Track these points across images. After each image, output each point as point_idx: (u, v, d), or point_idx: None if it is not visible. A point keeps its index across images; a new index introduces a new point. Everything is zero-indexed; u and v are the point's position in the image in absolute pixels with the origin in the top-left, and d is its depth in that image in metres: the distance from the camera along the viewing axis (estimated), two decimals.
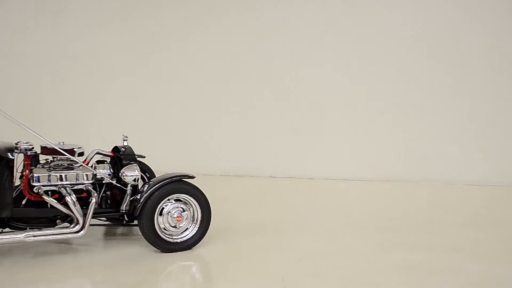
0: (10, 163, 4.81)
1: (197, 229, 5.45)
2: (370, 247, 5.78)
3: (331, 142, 9.90)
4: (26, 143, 5.13)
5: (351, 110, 9.84)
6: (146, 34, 9.79)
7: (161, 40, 9.81)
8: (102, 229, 6.08)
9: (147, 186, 5.30)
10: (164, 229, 5.32)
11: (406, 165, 9.72)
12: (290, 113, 9.90)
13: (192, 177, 5.45)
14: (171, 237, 5.35)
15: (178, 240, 5.39)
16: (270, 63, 9.82)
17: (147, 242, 5.34)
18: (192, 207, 5.43)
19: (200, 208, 5.43)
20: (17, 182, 5.03)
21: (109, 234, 6.06)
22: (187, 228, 5.44)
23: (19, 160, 5.04)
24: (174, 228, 5.35)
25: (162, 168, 6.68)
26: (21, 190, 5.09)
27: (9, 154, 4.83)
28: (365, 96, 9.80)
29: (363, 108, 9.81)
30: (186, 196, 5.37)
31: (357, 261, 5.34)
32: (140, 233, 5.36)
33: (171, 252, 5.35)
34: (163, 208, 5.29)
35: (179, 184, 5.36)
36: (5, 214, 4.84)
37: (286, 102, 9.89)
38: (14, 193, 4.92)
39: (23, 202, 5.08)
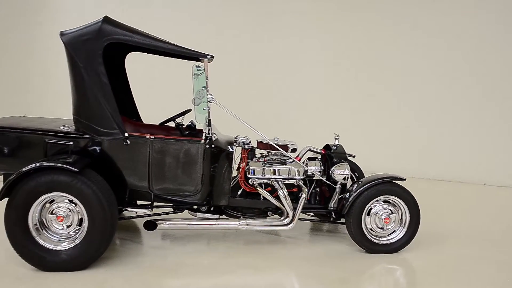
0: (230, 156, 5.12)
1: (404, 232, 5.33)
2: None
3: None
4: (244, 137, 5.46)
5: None
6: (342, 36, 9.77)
7: (369, 42, 9.71)
8: (309, 224, 6.23)
9: (356, 185, 5.31)
10: (371, 229, 5.29)
11: None
12: (507, 115, 9.18)
13: (402, 179, 5.33)
14: (377, 238, 5.31)
15: (384, 242, 5.32)
16: (479, 65, 9.20)
17: (352, 241, 5.35)
18: (400, 209, 5.32)
19: (409, 211, 5.29)
20: (234, 173, 5.34)
21: (315, 230, 6.17)
22: (395, 231, 5.35)
23: (237, 153, 5.36)
24: (381, 230, 5.30)
25: (370, 169, 6.65)
26: (238, 181, 5.42)
27: (229, 147, 5.15)
28: None
29: None
30: (395, 198, 5.27)
31: None
32: (347, 232, 5.41)
33: (376, 253, 5.31)
34: (371, 208, 5.27)
35: (388, 186, 5.28)
36: (223, 202, 5.19)
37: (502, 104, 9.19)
38: (231, 184, 5.24)
39: (239, 192, 5.40)
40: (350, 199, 5.20)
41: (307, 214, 5.77)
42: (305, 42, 9.94)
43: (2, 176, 5.17)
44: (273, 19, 9.98)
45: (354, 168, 6.16)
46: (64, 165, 4.49)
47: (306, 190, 5.36)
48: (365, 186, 5.22)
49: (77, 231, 4.71)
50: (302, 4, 9.84)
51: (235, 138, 5.45)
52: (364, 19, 9.63)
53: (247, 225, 5.21)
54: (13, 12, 8.18)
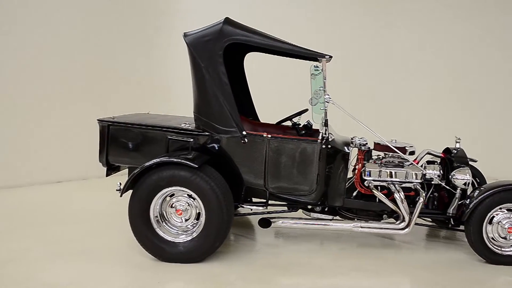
0: (346, 156, 5.08)
1: None
2: None
3: None
4: (361, 138, 5.38)
5: None
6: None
7: (496, 42, 9.22)
8: (425, 229, 6.04)
9: (478, 191, 5.07)
10: (492, 238, 5.04)
11: None
12: None
13: None
14: (499, 248, 5.04)
15: (507, 253, 5.04)
16: None
17: (471, 250, 5.13)
18: None
19: None
20: (350, 174, 5.28)
21: (432, 236, 5.98)
22: None
23: (353, 154, 5.29)
24: (503, 240, 5.03)
25: (493, 175, 6.36)
26: (353, 182, 5.35)
27: (345, 147, 5.10)
28: None
29: None
30: None
31: None
32: (465, 240, 5.17)
33: (497, 264, 5.04)
34: (493, 216, 5.01)
35: None
36: (338, 203, 5.16)
37: None
38: (346, 185, 5.20)
39: (354, 193, 5.34)
40: (471, 205, 4.98)
41: (424, 219, 5.60)
42: (424, 42, 9.65)
43: (127, 170, 5.47)
44: (391, 18, 9.77)
45: (476, 173, 5.90)
46: (184, 161, 4.66)
47: (423, 194, 5.19)
48: (488, 192, 4.97)
49: (194, 225, 4.88)
50: (423, 2, 9.56)
51: (352, 139, 5.39)
52: (491, 20, 9.20)
53: (362, 227, 5.15)
54: (138, 14, 8.61)
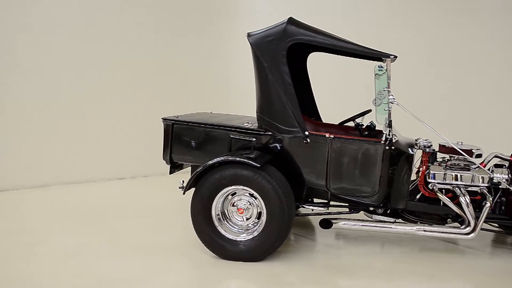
0: (410, 158, 4.98)
1: None
2: None
3: None
4: (425, 140, 5.28)
5: None
6: None
7: None
8: (491, 235, 5.86)
9: None
10: None
11: None
12: None
13: None
14: None
15: None
16: None
17: None
18: None
19: None
20: (413, 176, 5.19)
21: (498, 242, 5.80)
22: None
23: (417, 156, 5.18)
24: None
25: None
26: (417, 184, 5.25)
27: (409, 149, 5.01)
28: None
29: None
30: None
31: None
32: None
33: None
34: None
35: None
36: (401, 205, 5.07)
37: None
38: (410, 187, 5.10)
39: (417, 196, 5.23)
40: None
41: (490, 225, 5.42)
42: (494, 40, 9.36)
43: (190, 168, 5.55)
44: (457, 16, 9.53)
45: None
46: (247, 160, 4.70)
47: (490, 198, 5.03)
48: None
49: (255, 224, 4.91)
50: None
51: (416, 140, 5.29)
52: None
53: (425, 231, 5.04)
54: (201, 14, 8.74)
